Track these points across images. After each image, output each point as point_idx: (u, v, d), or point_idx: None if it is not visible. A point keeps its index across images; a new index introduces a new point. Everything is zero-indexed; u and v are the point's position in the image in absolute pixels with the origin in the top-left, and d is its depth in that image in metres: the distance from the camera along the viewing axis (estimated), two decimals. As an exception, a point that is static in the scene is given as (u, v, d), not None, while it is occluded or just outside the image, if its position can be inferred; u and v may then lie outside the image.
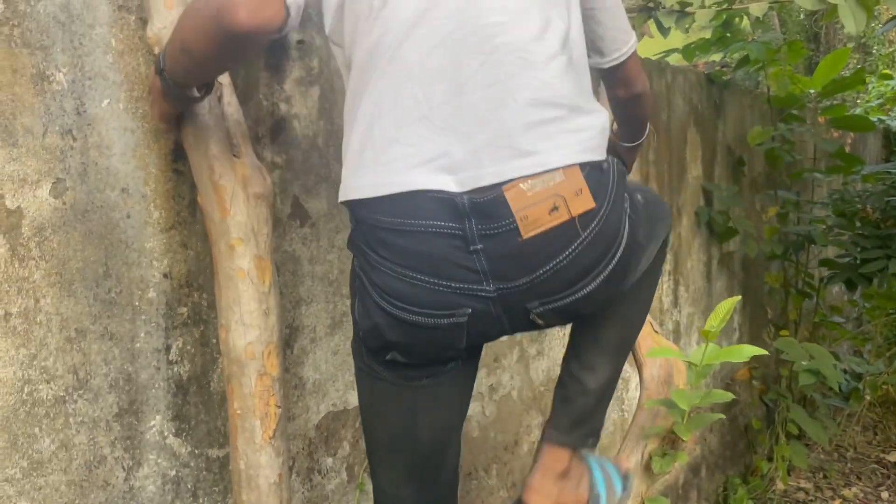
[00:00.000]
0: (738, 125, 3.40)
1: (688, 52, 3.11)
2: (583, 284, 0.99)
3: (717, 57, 3.32)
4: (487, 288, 0.96)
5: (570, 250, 0.95)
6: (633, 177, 2.64)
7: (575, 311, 1.05)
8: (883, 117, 5.35)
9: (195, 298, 1.31)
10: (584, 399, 1.22)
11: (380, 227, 0.97)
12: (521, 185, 0.92)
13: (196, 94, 1.10)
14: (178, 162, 1.27)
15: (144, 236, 1.23)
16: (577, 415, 1.22)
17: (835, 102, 3.65)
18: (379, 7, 0.98)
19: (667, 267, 2.90)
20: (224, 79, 1.18)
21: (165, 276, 1.27)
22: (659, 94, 2.75)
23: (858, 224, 3.16)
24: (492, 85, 0.94)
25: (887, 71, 6.42)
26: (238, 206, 1.12)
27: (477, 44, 0.94)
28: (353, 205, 1.02)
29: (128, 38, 1.21)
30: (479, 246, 0.94)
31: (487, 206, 0.93)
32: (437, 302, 0.97)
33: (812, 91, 3.47)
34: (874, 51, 7.87)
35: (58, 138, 1.12)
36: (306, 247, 1.53)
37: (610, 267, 1.01)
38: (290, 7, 0.93)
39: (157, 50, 1.13)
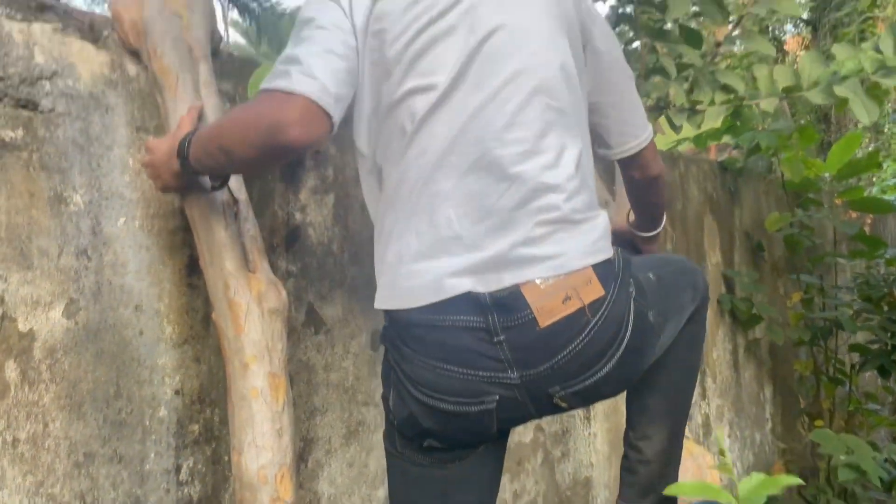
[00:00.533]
0: (755, 210, 3.38)
1: (699, 140, 3.14)
2: (599, 367, 1.05)
3: (728, 139, 3.35)
4: (512, 375, 1.03)
5: (583, 335, 1.03)
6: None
7: (596, 393, 1.10)
8: (900, 196, 5.32)
9: (207, 415, 1.28)
10: (645, 468, 1.29)
11: (412, 324, 1.05)
12: (536, 280, 1.02)
13: (210, 183, 1.13)
14: (192, 276, 1.27)
15: (157, 353, 1.22)
16: (642, 485, 1.29)
17: (851, 184, 3.63)
18: (412, 132, 1.05)
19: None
20: (241, 195, 1.19)
21: (177, 392, 1.24)
22: (673, 184, 2.76)
23: (886, 308, 3.08)
24: (515, 208, 1.03)
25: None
26: (253, 323, 1.10)
27: (502, 172, 1.04)
28: (391, 313, 1.09)
29: (145, 158, 1.22)
30: (502, 337, 1.01)
31: (506, 300, 1.01)
32: (466, 390, 1.04)
33: (827, 174, 3.46)
34: (886, 129, 7.93)
35: (73, 259, 1.12)
36: (321, 354, 1.50)
37: (622, 349, 1.06)
38: (336, 121, 1.01)
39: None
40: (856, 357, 3.30)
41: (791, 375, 3.46)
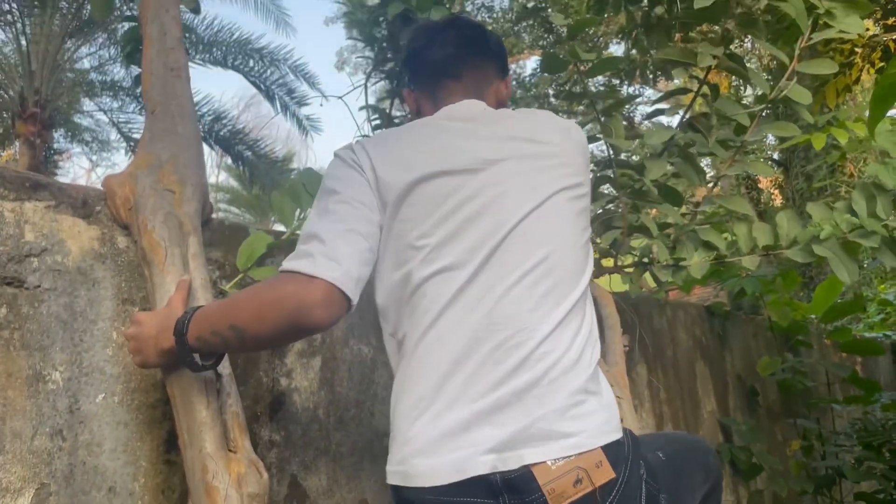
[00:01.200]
0: (745, 354, 3.37)
1: (685, 285, 3.18)
2: None
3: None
4: None
5: None
6: (647, 418, 2.56)
7: None
8: (889, 333, 5.34)
9: None
10: None
11: (423, 501, 1.02)
12: (547, 462, 1.00)
13: (201, 363, 1.10)
14: (170, 453, 1.22)
15: (128, 539, 1.14)
16: None
17: (838, 326, 3.65)
18: (440, 310, 1.07)
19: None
20: (225, 370, 1.17)
21: (147, 582, 1.15)
22: (661, 331, 2.75)
23: (888, 456, 3.00)
24: (539, 386, 1.04)
25: (882, 287, 6.54)
26: (230, 509, 1.04)
27: (529, 352, 1.05)
28: (403, 489, 1.04)
29: (130, 331, 1.21)
30: None
31: (517, 482, 0.99)
32: None
33: (814, 316, 3.48)
34: (865, 264, 8.11)
35: (47, 440, 1.07)
36: (304, 531, 1.42)
37: None
38: (354, 303, 1.04)
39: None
40: (863, 507, 3.17)
41: (798, 528, 3.30)
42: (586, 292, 1.16)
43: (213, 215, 1.43)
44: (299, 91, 9.32)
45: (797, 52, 1.99)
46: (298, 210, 1.44)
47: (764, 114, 2.15)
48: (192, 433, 1.08)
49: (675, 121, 2.32)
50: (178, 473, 1.22)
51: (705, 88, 2.05)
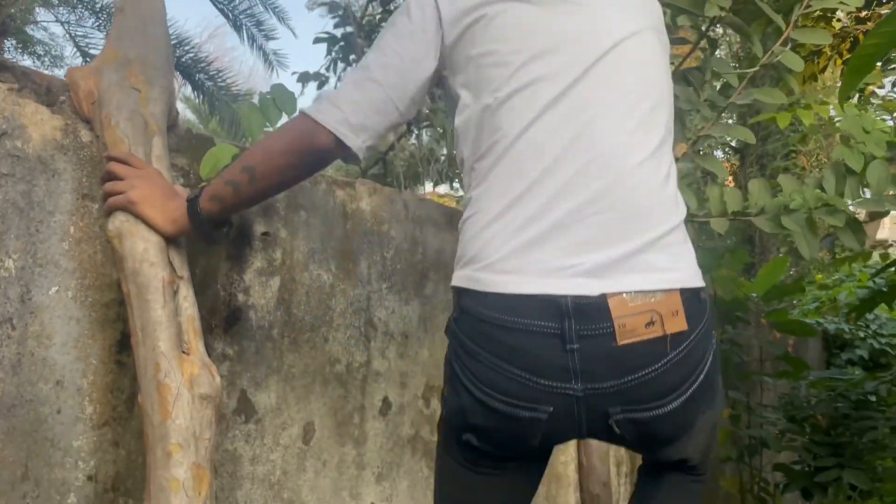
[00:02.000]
0: (688, 324, 3.47)
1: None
2: (666, 401, 1.02)
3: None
4: (575, 387, 1.00)
5: (659, 365, 1.00)
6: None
7: (650, 429, 1.05)
8: (820, 320, 5.57)
9: (120, 504, 1.19)
10: None
11: (483, 320, 1.02)
12: (623, 294, 0.98)
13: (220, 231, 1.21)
14: (122, 353, 1.21)
15: (73, 434, 1.13)
16: None
17: (777, 307, 3.79)
18: (537, 114, 1.04)
19: (624, 468, 2.81)
20: (183, 272, 1.15)
21: (90, 478, 1.15)
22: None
23: (809, 430, 3.15)
24: (624, 216, 1.02)
25: (819, 277, 6.80)
26: (181, 409, 1.04)
27: (626, 174, 1.03)
28: (466, 293, 1.05)
29: (87, 227, 1.18)
30: (575, 346, 0.98)
31: (589, 308, 0.98)
32: (523, 395, 1.01)
33: (755, 295, 3.60)
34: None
35: (-5, 326, 1.05)
36: (249, 445, 1.43)
37: (690, 391, 1.03)
38: (349, 144, 1.08)
39: (116, 242, 1.10)
40: (780, 476, 3.34)
41: (717, 492, 3.47)
42: (671, 136, 1.13)
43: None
44: (268, 24, 9.05)
45: (794, 18, 2.00)
46: (267, 124, 1.42)
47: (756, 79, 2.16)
48: (146, 332, 1.07)
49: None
50: (128, 375, 1.21)
51: (704, 41, 2.04)
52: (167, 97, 1.33)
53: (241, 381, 1.43)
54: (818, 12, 2.12)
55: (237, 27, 8.97)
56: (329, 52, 2.45)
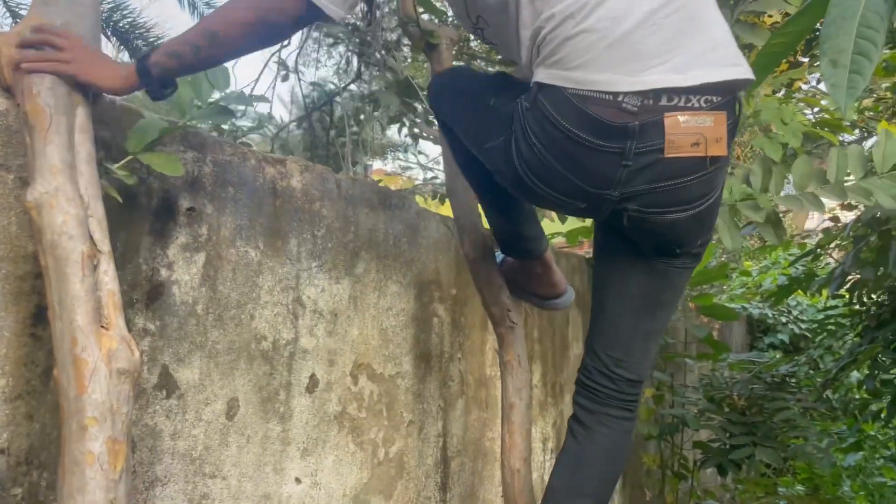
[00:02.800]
0: (617, 307, 3.59)
1: (571, 236, 3.33)
2: (680, 209, 1.20)
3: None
4: (613, 193, 1.18)
5: (690, 178, 1.16)
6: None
7: (653, 229, 1.25)
8: (746, 305, 5.82)
9: (33, 478, 1.18)
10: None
11: (557, 126, 1.15)
12: (678, 116, 1.12)
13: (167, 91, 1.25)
14: (37, 326, 1.19)
15: (-16, 407, 1.12)
16: None
17: (703, 291, 3.94)
18: None
19: (550, 444, 2.90)
20: (104, 246, 1.15)
21: (2, 451, 1.14)
22: (544, 276, 2.88)
23: (727, 409, 3.31)
24: (688, 8, 1.16)
25: (748, 264, 7.07)
26: (98, 383, 1.04)
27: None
28: (550, 91, 1.15)
29: (2, 198, 1.16)
30: (630, 162, 1.14)
31: (650, 128, 1.12)
32: (568, 192, 1.21)
33: (682, 280, 3.74)
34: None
35: None
36: (170, 420, 1.43)
37: (704, 205, 1.22)
38: (323, 7, 1.12)
39: (35, 214, 1.08)
40: (699, 454, 3.51)
41: (640, 468, 3.61)
42: None
43: (105, 93, 1.37)
44: (210, -8, 8.76)
45: (735, 15, 2.07)
46: (196, 100, 1.41)
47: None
48: (64, 305, 1.07)
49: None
50: (43, 349, 1.20)
51: None
52: (90, 67, 1.30)
53: (163, 357, 1.43)
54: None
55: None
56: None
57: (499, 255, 1.89)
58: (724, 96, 1.15)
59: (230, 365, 1.56)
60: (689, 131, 1.12)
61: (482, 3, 1.26)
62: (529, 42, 1.19)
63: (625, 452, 1.51)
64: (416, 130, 3.17)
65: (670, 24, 1.12)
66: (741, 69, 1.16)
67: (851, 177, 2.15)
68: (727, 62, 1.15)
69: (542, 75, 1.17)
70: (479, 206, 1.83)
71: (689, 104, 1.12)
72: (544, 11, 1.15)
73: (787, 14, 3.99)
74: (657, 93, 1.11)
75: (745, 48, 3.88)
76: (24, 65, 1.12)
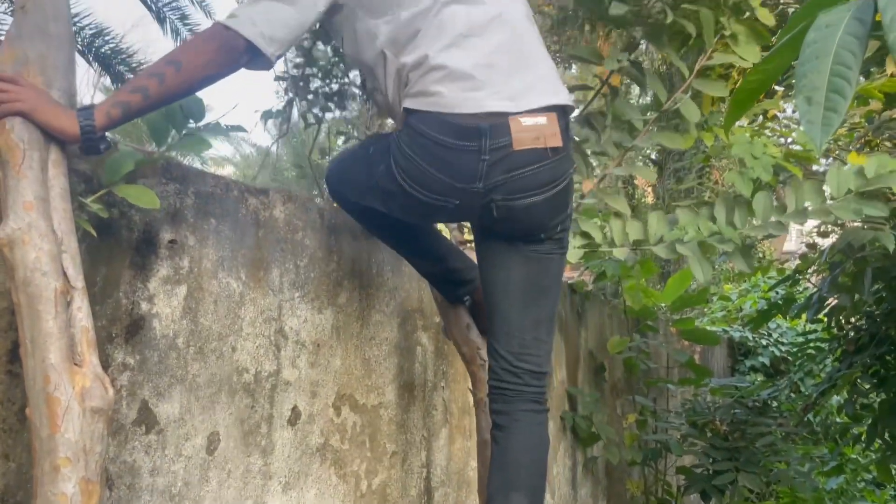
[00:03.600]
0: (599, 332, 3.60)
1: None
2: (534, 194, 1.43)
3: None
4: (478, 185, 1.41)
5: (537, 166, 1.41)
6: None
7: (517, 215, 1.46)
8: (727, 328, 5.85)
9: (6, 520, 1.15)
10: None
11: (424, 136, 1.39)
12: (520, 118, 1.38)
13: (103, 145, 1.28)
14: (14, 363, 1.17)
15: (-44, 447, 1.09)
16: None
17: (684, 316, 3.97)
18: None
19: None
20: (78, 283, 1.13)
21: (-26, 493, 1.11)
22: (526, 302, 2.89)
23: (710, 434, 3.32)
24: (521, 52, 1.46)
25: (728, 287, 7.13)
26: (71, 422, 1.02)
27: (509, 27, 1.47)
28: (414, 113, 1.40)
29: (-22, 233, 1.14)
30: (487, 157, 1.38)
31: (499, 128, 1.38)
32: (442, 191, 1.43)
33: (663, 304, 3.76)
34: (716, 266, 8.78)
35: None
36: (149, 456, 1.40)
37: (553, 192, 1.45)
38: (264, 50, 1.32)
39: (7, 251, 1.07)
40: (682, 479, 3.50)
41: (624, 494, 3.60)
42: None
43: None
44: (193, 19, 8.81)
45: (696, 67, 2.15)
46: (172, 130, 1.40)
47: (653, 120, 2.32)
48: (36, 343, 1.05)
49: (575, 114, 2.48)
50: (20, 386, 1.18)
51: (606, 88, 2.17)
52: (68, 100, 1.29)
53: (143, 392, 1.40)
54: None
55: (161, 20, 8.67)
56: (287, 92, 2.58)
57: (467, 299, 1.93)
58: (551, 105, 1.43)
59: (211, 398, 1.54)
60: (530, 129, 1.39)
61: (365, 67, 1.54)
62: (395, 81, 1.46)
63: (545, 443, 1.62)
64: None
65: (504, 62, 1.43)
66: (561, 96, 1.47)
67: (809, 205, 2.25)
68: (549, 90, 1.45)
69: (409, 102, 1.42)
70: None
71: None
72: (401, 58, 1.43)
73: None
74: (497, 114, 1.39)
75: (722, 77, 3.93)
76: None
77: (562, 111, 1.46)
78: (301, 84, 2.47)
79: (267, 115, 2.81)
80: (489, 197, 1.43)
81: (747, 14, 2.27)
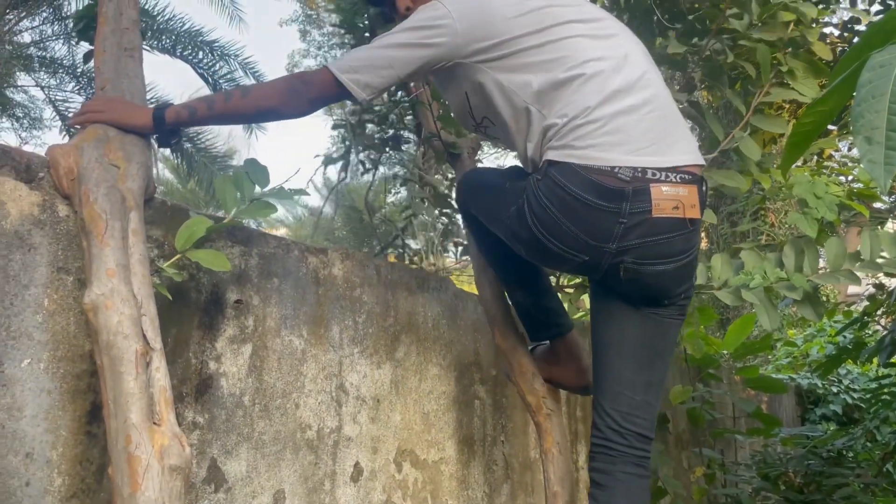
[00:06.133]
0: (660, 382, 3.51)
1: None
2: (666, 262, 1.43)
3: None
4: (611, 246, 1.41)
5: (673, 234, 1.41)
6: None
7: (645, 279, 1.45)
8: (794, 376, 5.64)
9: (85, 579, 1.18)
10: None
11: (563, 189, 1.40)
12: (661, 186, 1.39)
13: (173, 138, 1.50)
14: (92, 424, 1.22)
15: (40, 507, 1.13)
16: None
17: (747, 363, 3.85)
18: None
19: None
20: (156, 344, 1.18)
21: (56, 552, 1.15)
22: (587, 351, 2.85)
23: (783, 487, 3.18)
24: (667, 110, 1.49)
25: (792, 332, 6.90)
26: (151, 480, 1.06)
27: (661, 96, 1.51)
28: (556, 165, 1.41)
29: (62, 299, 1.21)
30: (625, 220, 1.38)
31: (641, 192, 1.38)
32: (573, 246, 1.43)
33: (726, 352, 3.66)
34: (779, 310, 8.51)
35: (-34, 400, 1.07)
36: (219, 514, 1.43)
37: (683, 262, 1.45)
38: (356, 94, 1.45)
39: (91, 315, 1.12)
40: (757, 535, 3.34)
41: (695, 552, 3.45)
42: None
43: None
44: (246, 88, 9.18)
45: (754, 104, 2.15)
46: (240, 196, 1.47)
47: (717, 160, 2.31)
48: (118, 403, 1.09)
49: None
50: (97, 446, 1.22)
51: None
52: (145, 172, 1.37)
53: (212, 450, 1.44)
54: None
55: (216, 91, 9.11)
56: (344, 139, 2.69)
57: (530, 346, 1.92)
58: (692, 175, 1.44)
59: (276, 455, 1.56)
60: (670, 197, 1.40)
61: (493, 113, 1.56)
62: (540, 136, 1.47)
63: None
64: (453, 240, 3.30)
65: (650, 120, 1.44)
66: (698, 156, 1.49)
67: (885, 253, 2.16)
68: (690, 150, 1.47)
69: (552, 154, 1.43)
70: (505, 294, 1.91)
71: (668, 178, 1.41)
72: (551, 117, 1.45)
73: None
74: (644, 169, 1.40)
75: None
76: (70, 120, 1.37)
77: (701, 182, 1.46)
78: (357, 131, 2.56)
79: (328, 161, 2.90)
80: (619, 258, 1.42)
81: (803, 48, 2.26)
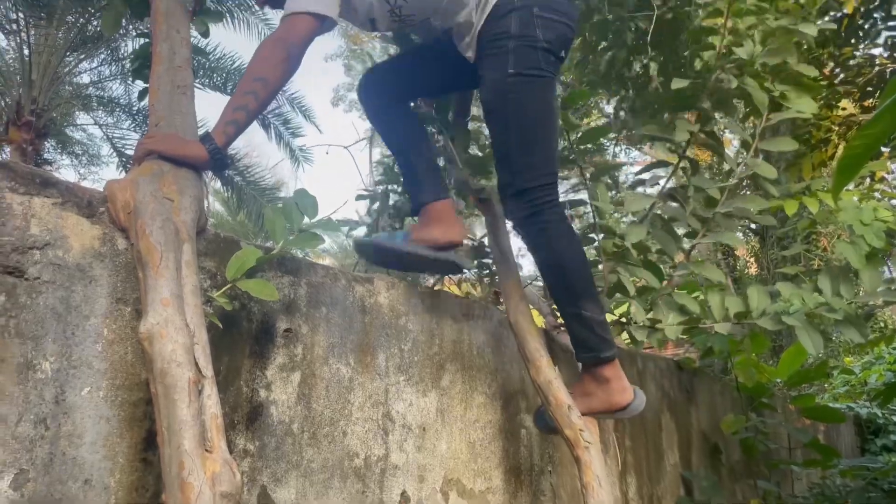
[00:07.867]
0: (711, 410, 3.43)
1: (658, 343, 3.25)
2: None
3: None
4: None
5: None
6: (611, 464, 2.60)
7: None
8: (852, 405, 5.44)
9: None
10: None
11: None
12: None
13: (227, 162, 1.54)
14: (147, 451, 1.25)
15: (98, 532, 1.17)
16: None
17: (803, 392, 3.74)
18: None
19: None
20: (208, 372, 1.21)
21: (112, 577, 1.18)
22: (631, 381, 2.81)
23: (844, 521, 3.06)
24: None
25: (849, 360, 6.67)
26: (203, 506, 1.08)
27: None
28: None
29: (120, 329, 1.25)
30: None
31: None
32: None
33: (779, 380, 3.57)
34: (834, 337, 8.26)
35: (30, 427, 1.11)
36: (268, 542, 1.44)
37: None
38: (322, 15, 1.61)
39: (147, 344, 1.16)
40: (817, 572, 3.22)
41: (753, 589, 3.33)
42: None
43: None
44: (294, 122, 9.45)
45: (759, 130, 2.17)
46: (288, 226, 1.50)
47: (740, 187, 2.31)
48: (172, 430, 1.12)
49: (657, 188, 2.52)
50: (152, 473, 1.25)
51: (685, 161, 2.21)
52: (197, 205, 1.42)
53: (262, 478, 1.46)
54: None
55: (265, 126, 9.38)
56: (369, 210, 2.79)
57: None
58: None
59: (324, 484, 1.58)
60: None
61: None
62: None
63: None
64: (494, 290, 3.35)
65: None
66: None
67: None
68: None
69: None
70: (539, 331, 1.95)
71: None
72: None
73: (863, 105, 3.96)
74: None
75: (823, 142, 3.84)
76: (134, 155, 1.47)
77: None
78: (383, 202, 2.63)
79: (360, 197, 2.97)
80: None
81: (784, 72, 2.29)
